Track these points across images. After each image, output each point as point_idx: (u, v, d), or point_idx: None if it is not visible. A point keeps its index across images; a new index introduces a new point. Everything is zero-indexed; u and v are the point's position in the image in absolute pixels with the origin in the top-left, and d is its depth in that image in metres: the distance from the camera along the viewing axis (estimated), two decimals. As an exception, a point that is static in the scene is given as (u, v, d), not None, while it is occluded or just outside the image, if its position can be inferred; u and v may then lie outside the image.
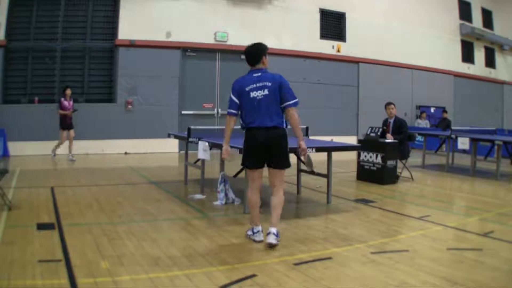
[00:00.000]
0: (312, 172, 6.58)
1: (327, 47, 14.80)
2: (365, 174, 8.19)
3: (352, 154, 9.01)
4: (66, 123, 10.32)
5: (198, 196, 6.48)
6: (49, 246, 4.09)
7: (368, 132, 8.40)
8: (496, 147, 9.45)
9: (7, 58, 11.26)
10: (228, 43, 12.99)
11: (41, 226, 4.71)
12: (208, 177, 7.21)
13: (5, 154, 10.45)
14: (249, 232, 4.51)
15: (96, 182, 7.73)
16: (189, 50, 12.73)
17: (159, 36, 12.26)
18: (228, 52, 13.03)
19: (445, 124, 14.63)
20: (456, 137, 9.31)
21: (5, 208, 5.33)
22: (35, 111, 11.22)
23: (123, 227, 4.83)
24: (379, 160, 7.91)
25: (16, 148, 10.71)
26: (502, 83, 20.52)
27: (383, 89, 15.16)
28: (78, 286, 3.22)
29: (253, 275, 3.50)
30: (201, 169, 6.76)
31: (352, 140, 13.97)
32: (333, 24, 14.98)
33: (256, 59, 4.42)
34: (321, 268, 3.71)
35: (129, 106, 12.03)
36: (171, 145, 12.16)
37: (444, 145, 12.07)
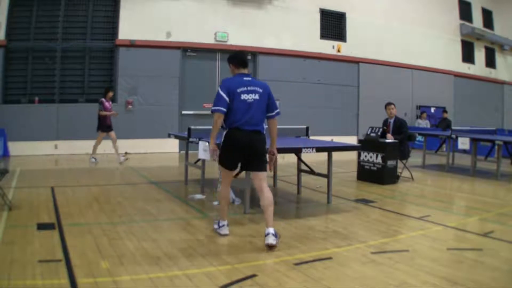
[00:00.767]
0: (312, 172, 6.60)
1: (327, 47, 14.79)
2: (365, 174, 8.19)
3: (352, 154, 9.02)
4: (106, 125, 9.97)
5: (198, 196, 6.48)
6: (49, 246, 4.09)
7: (368, 132, 8.40)
8: (496, 147, 9.45)
9: (7, 58, 11.25)
10: (228, 43, 12.99)
11: (41, 226, 4.71)
12: (208, 177, 7.21)
13: (5, 154, 10.46)
14: (216, 226, 4.69)
15: (96, 182, 7.73)
16: (189, 50, 12.73)
17: (159, 36, 12.26)
18: (228, 52, 12.83)
19: (445, 124, 14.63)
20: (456, 137, 9.31)
21: (5, 208, 5.33)
22: (35, 111, 11.22)
23: (123, 227, 4.83)
24: (379, 160, 7.90)
25: (16, 148, 10.71)
26: (502, 83, 20.51)
27: (383, 89, 15.16)
28: (78, 286, 3.22)
29: (253, 275, 3.50)
30: (201, 169, 6.77)
31: (352, 140, 13.98)
32: (333, 24, 14.97)
33: (247, 63, 4.58)
34: (321, 268, 3.71)
35: (129, 106, 12.04)
36: (171, 145, 12.16)
37: (444, 145, 12.07)
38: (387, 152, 7.84)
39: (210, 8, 12.88)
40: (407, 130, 8.54)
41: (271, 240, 4.15)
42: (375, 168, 7.98)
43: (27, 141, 10.89)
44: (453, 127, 11.23)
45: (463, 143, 9.05)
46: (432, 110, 17.18)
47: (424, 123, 15.85)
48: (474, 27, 18.62)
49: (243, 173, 5.35)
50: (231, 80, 4.46)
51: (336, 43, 14.98)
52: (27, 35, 11.39)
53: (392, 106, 8.64)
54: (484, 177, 8.96)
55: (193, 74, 12.84)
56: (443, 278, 3.52)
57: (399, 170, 8.25)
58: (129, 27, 11.92)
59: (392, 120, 8.61)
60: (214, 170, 7.72)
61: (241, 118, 4.32)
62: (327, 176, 6.20)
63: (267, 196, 4.38)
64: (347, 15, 15.19)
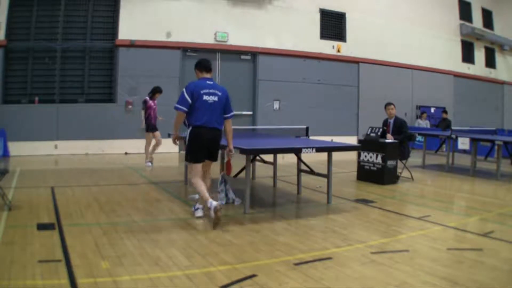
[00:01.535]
0: (312, 172, 6.60)
1: (327, 47, 14.79)
2: (365, 174, 8.19)
3: (352, 154, 9.02)
4: (152, 125, 9.93)
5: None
6: (49, 246, 4.09)
7: (368, 132, 8.40)
8: (496, 147, 9.45)
9: (7, 58, 11.24)
10: (228, 43, 12.98)
11: (41, 226, 4.71)
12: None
13: (5, 154, 10.45)
14: (193, 209, 5.41)
15: (96, 182, 7.73)
16: (189, 50, 12.73)
17: (159, 36, 12.25)
18: (228, 52, 13.00)
19: (445, 124, 14.63)
20: (456, 137, 9.32)
21: (5, 208, 5.33)
22: (35, 111, 11.21)
23: (123, 227, 4.83)
24: (379, 160, 7.90)
25: (16, 148, 10.70)
26: (502, 83, 20.51)
27: (383, 89, 15.16)
28: (78, 286, 3.22)
29: (253, 275, 3.50)
30: (201, 169, 6.76)
31: (352, 140, 13.97)
32: (333, 24, 14.97)
33: (210, 69, 5.40)
34: (321, 268, 3.71)
35: (129, 106, 12.03)
36: (171, 145, 12.09)
37: (444, 145, 12.07)
38: (387, 152, 7.84)
39: (210, 8, 12.87)
40: (407, 130, 8.55)
41: (215, 203, 4.78)
42: (375, 168, 7.98)
43: (27, 141, 10.88)
44: (453, 127, 11.24)
45: (463, 143, 9.05)
46: (432, 110, 17.18)
47: (424, 123, 15.85)
48: (474, 27, 18.62)
49: (243, 173, 5.36)
50: (195, 83, 5.23)
51: (336, 43, 14.98)
52: (27, 35, 11.39)
53: (392, 106, 8.65)
54: (484, 177, 8.97)
55: (193, 74, 12.73)
56: (443, 278, 3.52)
57: (399, 170, 8.25)
58: (129, 27, 11.91)
59: (392, 120, 8.61)
60: (214, 170, 7.70)
61: (203, 116, 5.04)
62: (327, 176, 6.20)
63: (208, 178, 5.47)
64: (347, 15, 15.19)
